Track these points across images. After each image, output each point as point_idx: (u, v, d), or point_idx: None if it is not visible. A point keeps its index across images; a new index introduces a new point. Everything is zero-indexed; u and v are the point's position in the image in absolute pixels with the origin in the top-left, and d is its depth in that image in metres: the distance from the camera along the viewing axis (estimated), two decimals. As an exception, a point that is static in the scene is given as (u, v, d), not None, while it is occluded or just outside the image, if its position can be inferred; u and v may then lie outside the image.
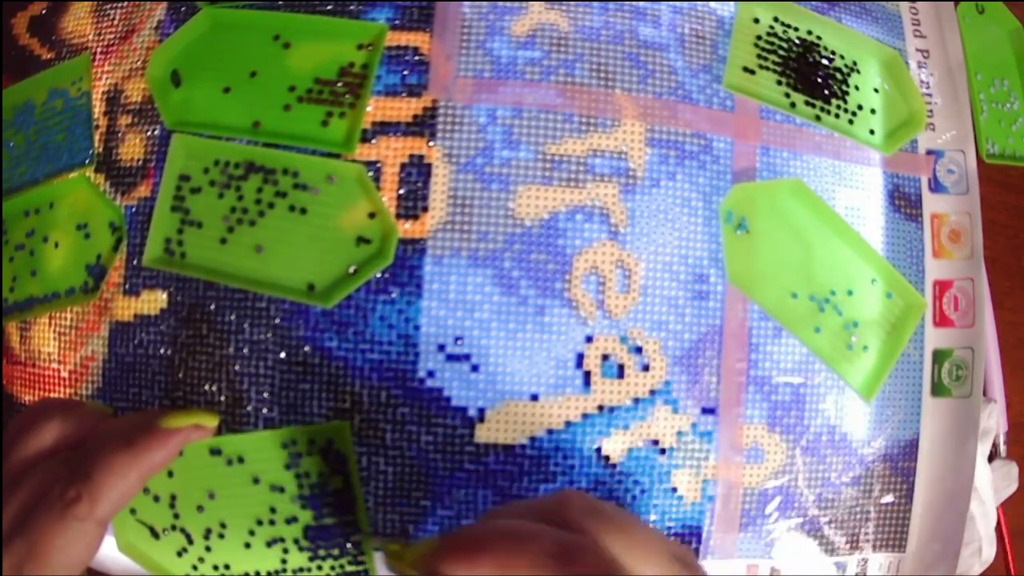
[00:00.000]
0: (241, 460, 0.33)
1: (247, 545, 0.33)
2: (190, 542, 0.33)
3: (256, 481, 0.33)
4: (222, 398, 0.33)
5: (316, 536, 0.33)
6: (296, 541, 0.33)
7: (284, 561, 0.33)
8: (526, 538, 0.22)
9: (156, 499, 0.33)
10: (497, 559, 0.22)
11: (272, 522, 0.33)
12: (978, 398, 0.39)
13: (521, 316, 0.33)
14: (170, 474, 0.33)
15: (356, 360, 0.33)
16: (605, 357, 0.34)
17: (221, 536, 0.33)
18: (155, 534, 0.34)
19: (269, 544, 0.33)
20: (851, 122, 0.38)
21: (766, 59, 0.37)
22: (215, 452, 0.33)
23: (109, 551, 0.33)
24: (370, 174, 0.34)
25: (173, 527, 0.33)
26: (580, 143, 0.34)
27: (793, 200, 0.37)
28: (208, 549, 0.33)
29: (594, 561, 0.22)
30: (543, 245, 0.34)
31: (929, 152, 0.40)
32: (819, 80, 0.38)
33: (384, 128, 0.34)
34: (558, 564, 0.21)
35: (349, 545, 0.33)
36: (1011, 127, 0.45)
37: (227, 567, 0.34)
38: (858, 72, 0.39)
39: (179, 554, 0.34)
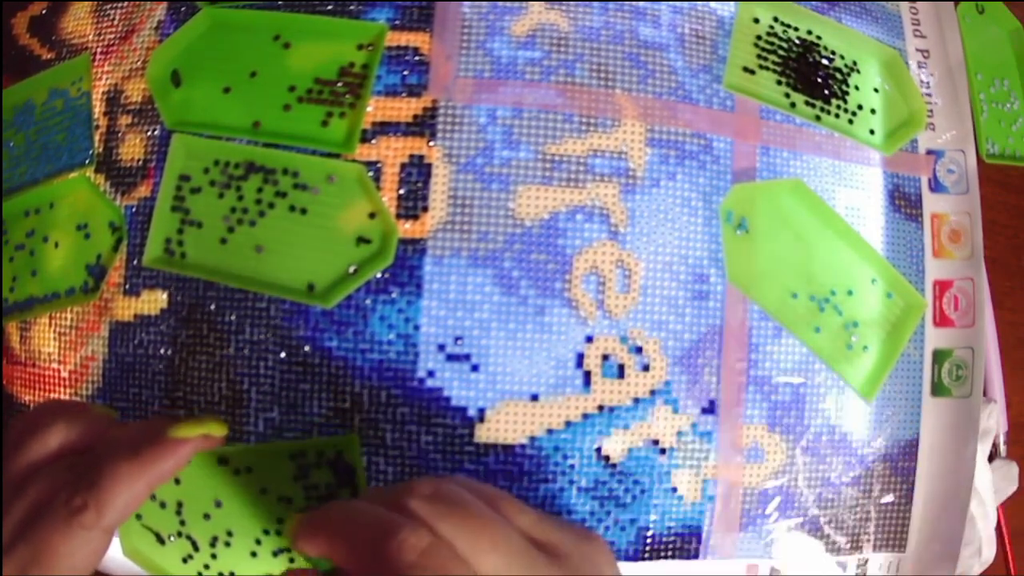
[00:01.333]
0: (249, 470, 0.33)
1: (253, 554, 0.33)
2: (196, 549, 0.33)
3: (264, 492, 0.33)
4: (222, 398, 0.33)
5: None
6: None
7: None
8: (353, 522, 0.25)
9: (162, 505, 0.33)
10: (329, 538, 0.25)
11: (279, 532, 0.33)
12: (978, 398, 0.39)
13: (521, 316, 0.33)
14: (177, 481, 0.33)
15: (356, 360, 0.33)
16: (605, 357, 0.34)
17: (227, 544, 0.33)
18: (161, 540, 0.34)
19: (275, 554, 0.33)
20: (851, 122, 0.38)
21: (766, 59, 0.37)
22: (223, 461, 0.33)
23: (114, 554, 0.33)
24: (370, 174, 0.34)
25: (179, 534, 0.33)
26: (580, 143, 0.34)
27: (793, 200, 0.37)
28: (214, 557, 0.33)
29: (410, 551, 0.23)
30: (543, 245, 0.34)
31: (929, 152, 0.40)
32: (819, 80, 0.38)
33: (384, 128, 0.34)
34: (375, 549, 0.24)
35: None
36: (1011, 127, 0.44)
37: (232, 575, 0.33)
38: (858, 72, 0.39)
39: (184, 560, 0.34)
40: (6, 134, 0.38)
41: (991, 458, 0.42)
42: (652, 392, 0.34)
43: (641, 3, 0.36)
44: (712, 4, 0.37)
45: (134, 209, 0.35)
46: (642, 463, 0.34)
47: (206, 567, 0.33)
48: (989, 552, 0.41)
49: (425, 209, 0.33)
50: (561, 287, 0.34)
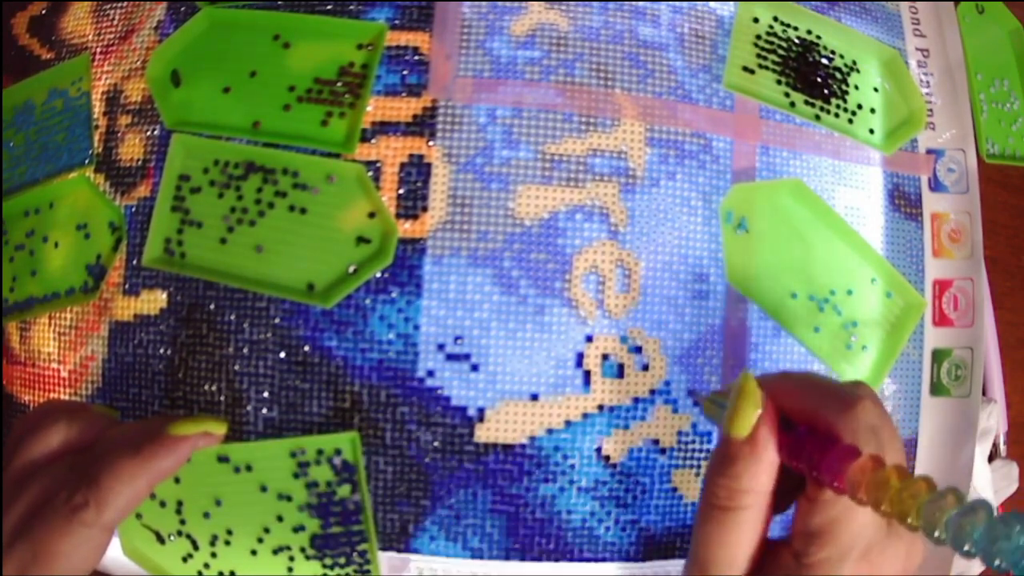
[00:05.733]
0: (249, 468, 0.33)
1: (253, 552, 0.33)
2: (196, 548, 0.33)
3: (264, 489, 0.33)
4: (222, 398, 0.33)
5: (323, 545, 0.33)
6: (303, 549, 0.33)
7: (290, 569, 0.33)
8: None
9: (162, 504, 0.33)
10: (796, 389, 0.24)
11: (279, 530, 0.33)
12: (977, 398, 0.39)
13: (521, 316, 0.33)
14: (177, 480, 0.33)
15: (356, 360, 0.33)
16: (605, 357, 0.34)
17: (227, 543, 0.33)
18: (160, 539, 0.34)
19: (275, 552, 0.33)
20: (851, 121, 0.38)
21: (766, 58, 0.37)
22: (223, 459, 0.33)
23: (114, 554, 0.33)
24: (370, 174, 0.34)
25: (179, 532, 0.33)
26: (580, 143, 0.34)
27: (793, 200, 0.37)
28: (214, 555, 0.33)
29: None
30: (543, 244, 0.34)
31: (929, 151, 0.40)
32: (819, 79, 0.38)
33: (384, 128, 0.34)
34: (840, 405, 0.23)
35: (355, 554, 0.33)
36: (1011, 127, 0.44)
37: (232, 574, 0.33)
38: (858, 71, 0.39)
39: (184, 560, 0.34)
40: (6, 134, 0.38)
41: (991, 458, 0.42)
42: (652, 392, 0.34)
43: (641, 3, 0.36)
44: (712, 4, 0.37)
45: (134, 209, 0.35)
46: (642, 463, 0.34)
47: (206, 566, 0.33)
48: (989, 552, 0.41)
49: (425, 209, 0.33)
50: (561, 287, 0.34)
